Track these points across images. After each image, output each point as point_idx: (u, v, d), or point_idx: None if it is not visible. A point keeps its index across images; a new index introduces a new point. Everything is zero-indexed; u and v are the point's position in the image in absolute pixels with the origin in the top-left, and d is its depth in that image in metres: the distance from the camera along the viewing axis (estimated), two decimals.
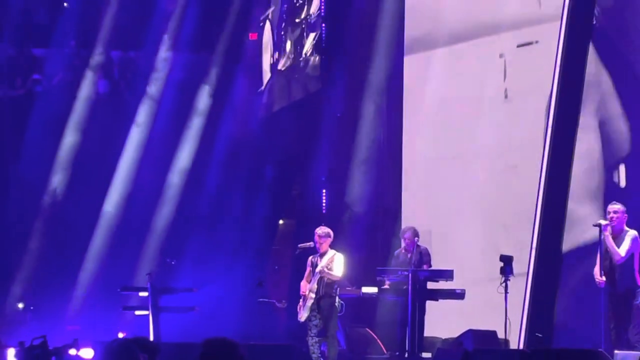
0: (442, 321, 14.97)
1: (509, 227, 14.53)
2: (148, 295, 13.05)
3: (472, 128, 15.02)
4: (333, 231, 12.92)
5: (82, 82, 16.85)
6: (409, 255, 13.28)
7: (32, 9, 16.86)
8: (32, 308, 15.39)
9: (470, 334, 13.11)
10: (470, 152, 15.06)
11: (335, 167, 16.15)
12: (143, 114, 16.52)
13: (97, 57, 16.96)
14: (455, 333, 13.97)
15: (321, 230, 12.70)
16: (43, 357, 7.57)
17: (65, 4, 17.45)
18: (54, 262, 16.09)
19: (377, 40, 15.72)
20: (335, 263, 12.45)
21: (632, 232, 11.24)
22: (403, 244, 13.36)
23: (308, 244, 12.69)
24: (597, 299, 11.16)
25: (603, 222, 11.18)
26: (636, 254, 11.18)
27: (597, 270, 11.25)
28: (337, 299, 12.57)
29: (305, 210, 16.06)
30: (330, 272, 12.46)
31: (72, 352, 8.22)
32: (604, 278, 11.12)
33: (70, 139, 16.41)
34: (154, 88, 16.68)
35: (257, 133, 16.50)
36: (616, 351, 10.47)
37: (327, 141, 16.10)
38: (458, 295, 13.51)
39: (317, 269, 12.52)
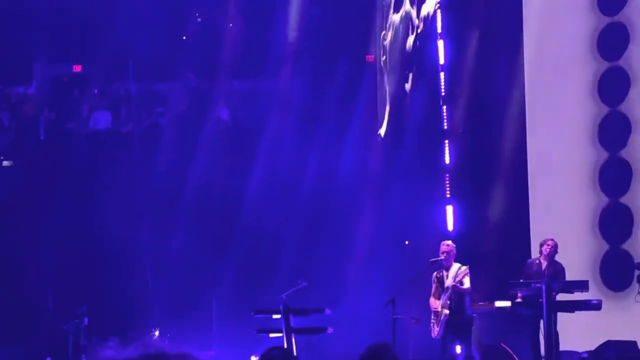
0: (577, 334, 14.70)
1: None
2: (281, 318, 13.17)
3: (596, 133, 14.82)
4: (461, 246, 12.96)
5: (205, 112, 17.16)
6: (543, 266, 13.12)
7: (153, 44, 17.28)
8: (168, 335, 15.63)
9: (610, 345, 12.82)
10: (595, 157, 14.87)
11: (459, 184, 16.03)
12: (268, 140, 16.68)
13: (218, 87, 17.26)
14: (592, 346, 13.68)
15: (446, 244, 12.78)
16: None
17: (184, 37, 17.82)
18: (187, 287, 16.34)
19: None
20: (464, 276, 12.45)
21: None
22: (541, 253, 13.22)
23: (438, 258, 12.74)
24: None
25: None
26: None
27: None
28: (469, 312, 12.51)
29: (431, 228, 15.96)
30: (462, 286, 12.45)
31: None
32: None
33: (194, 167, 16.67)
34: (274, 114, 16.87)
35: (382, 151, 16.49)
36: None
37: (450, 157, 16.02)
38: (594, 306, 13.25)
39: (447, 284, 12.51)
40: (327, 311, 13.38)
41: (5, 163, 16.92)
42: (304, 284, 13.37)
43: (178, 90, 17.72)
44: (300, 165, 16.43)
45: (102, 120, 17.27)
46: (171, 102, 17.77)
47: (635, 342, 12.70)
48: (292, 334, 13.20)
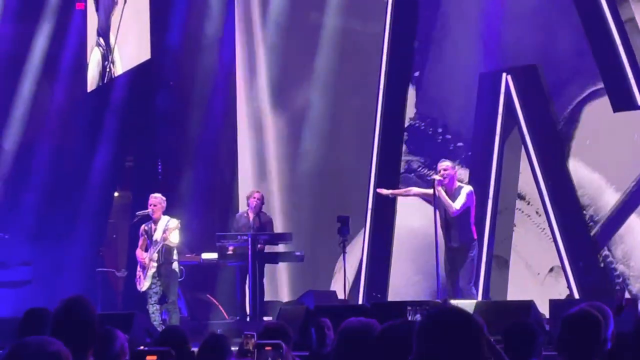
0: (283, 285, 15.16)
1: (345, 188, 14.78)
2: None
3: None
4: (170, 199, 12.88)
5: None
6: (251, 219, 13.32)
7: None
8: None
9: (311, 294, 13.27)
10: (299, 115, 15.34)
11: (170, 137, 16.03)
12: None
13: None
14: (296, 296, 14.13)
15: (154, 197, 12.60)
16: None
17: None
18: None
19: None
20: (172, 229, 12.35)
21: (467, 188, 11.52)
22: (248, 206, 13.38)
23: (146, 211, 12.57)
24: (433, 254, 11.38)
25: (437, 177, 11.45)
26: (472, 207, 11.47)
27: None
28: (176, 264, 12.50)
29: (141, 181, 15.87)
30: (171, 239, 12.37)
31: None
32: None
33: None
34: None
35: (89, 104, 16.13)
36: (451, 301, 10.74)
37: (161, 111, 15.96)
38: (297, 257, 13.69)
39: (155, 238, 12.39)
40: (31, 263, 13.03)
41: None
42: (6, 237, 12.97)
43: None
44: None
45: None
46: None
47: (334, 292, 13.24)
48: None
